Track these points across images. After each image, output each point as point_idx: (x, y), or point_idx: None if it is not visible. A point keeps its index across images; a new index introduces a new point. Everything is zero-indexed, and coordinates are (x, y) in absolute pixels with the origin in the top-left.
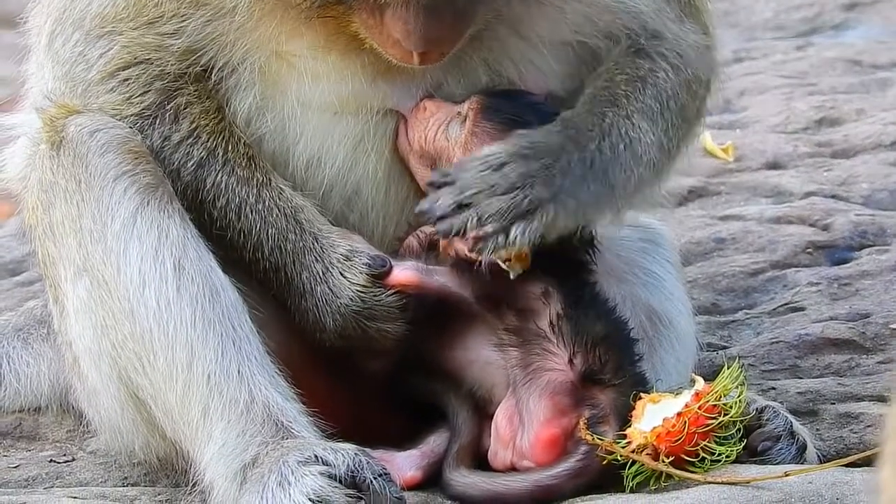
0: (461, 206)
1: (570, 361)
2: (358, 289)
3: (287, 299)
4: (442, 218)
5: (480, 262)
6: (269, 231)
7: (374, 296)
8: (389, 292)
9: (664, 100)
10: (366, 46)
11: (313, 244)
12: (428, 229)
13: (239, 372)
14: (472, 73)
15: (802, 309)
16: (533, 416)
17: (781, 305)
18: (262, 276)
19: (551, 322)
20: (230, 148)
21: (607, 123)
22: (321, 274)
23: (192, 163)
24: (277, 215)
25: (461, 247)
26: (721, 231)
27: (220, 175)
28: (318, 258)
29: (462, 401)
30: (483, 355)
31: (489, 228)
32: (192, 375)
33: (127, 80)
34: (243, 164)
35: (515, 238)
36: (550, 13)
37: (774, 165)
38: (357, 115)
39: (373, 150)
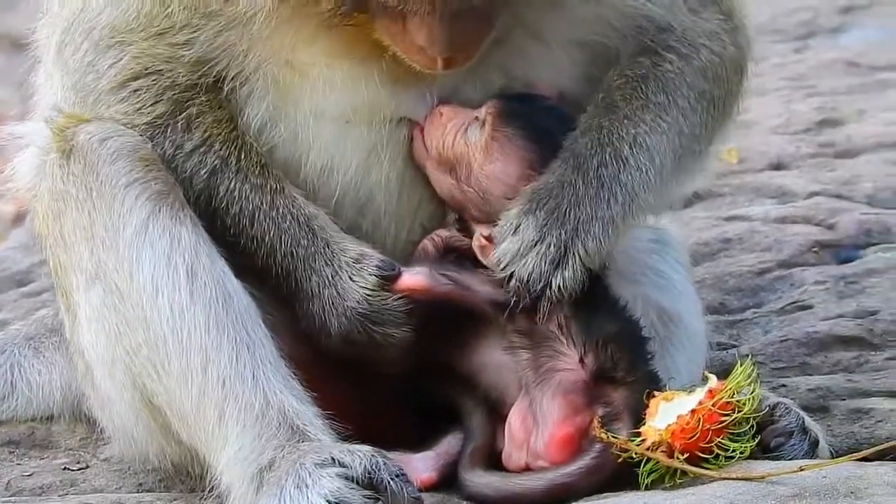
0: (509, 280)
1: (581, 360)
2: (366, 292)
3: (296, 304)
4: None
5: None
6: (283, 237)
7: (382, 300)
8: (396, 297)
9: (672, 90)
10: (384, 54)
11: (324, 249)
12: (443, 233)
13: (254, 376)
14: (486, 77)
15: (810, 307)
16: (546, 416)
17: (789, 304)
18: (274, 282)
19: (559, 323)
20: (243, 156)
21: (605, 132)
22: (330, 277)
23: (205, 171)
24: (291, 222)
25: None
26: (727, 232)
27: (233, 182)
28: (328, 262)
29: (476, 403)
30: (494, 358)
31: (538, 289)
32: (207, 380)
33: (138, 90)
34: (256, 172)
35: (560, 287)
36: (566, 14)
37: (778, 166)
38: (370, 124)
39: (386, 158)
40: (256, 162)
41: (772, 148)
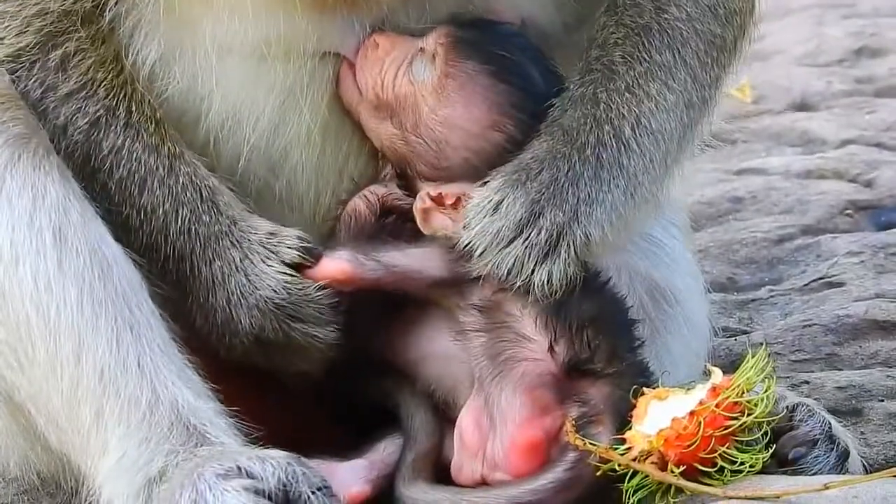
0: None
1: (551, 349)
2: (283, 278)
3: (188, 297)
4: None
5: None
6: (180, 211)
7: (302, 289)
8: (318, 285)
9: (680, 44)
10: None
11: (230, 228)
12: (379, 189)
13: (139, 364)
14: (431, 1)
15: (841, 284)
16: (506, 416)
17: (815, 280)
18: (161, 266)
19: (524, 301)
20: (134, 108)
21: (602, 107)
22: (238, 262)
23: (85, 121)
24: (192, 193)
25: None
26: (738, 188)
27: (120, 139)
28: (236, 243)
29: (418, 401)
30: (441, 346)
31: (516, 286)
32: (81, 371)
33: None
34: (151, 130)
35: (543, 284)
36: None
37: (803, 107)
38: (287, 61)
39: (306, 104)
40: (150, 117)
41: (795, 83)
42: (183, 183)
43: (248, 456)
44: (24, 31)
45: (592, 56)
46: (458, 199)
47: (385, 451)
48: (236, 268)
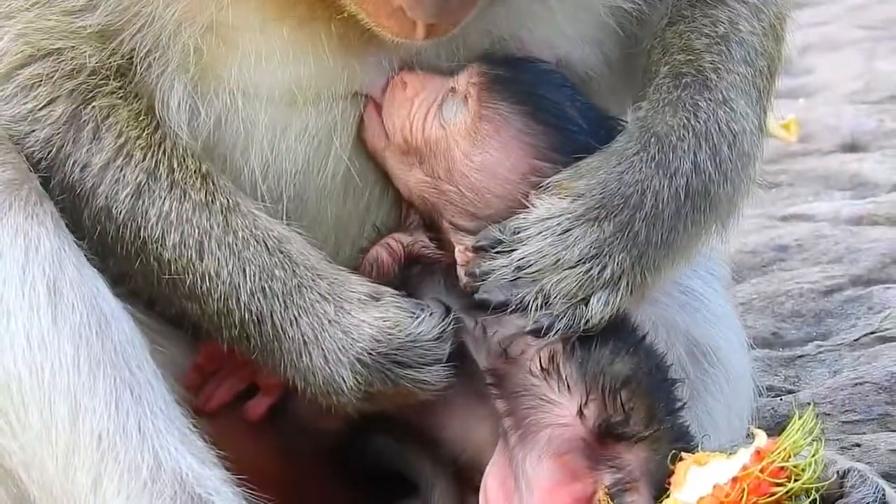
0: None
1: (580, 412)
2: (387, 325)
3: (276, 362)
4: (494, 293)
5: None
6: (248, 269)
7: (406, 333)
8: (423, 322)
9: (753, 59)
10: (333, 14)
11: (314, 280)
12: (404, 238)
13: (140, 429)
14: (462, 37)
15: (895, 339)
16: (532, 481)
17: (866, 335)
18: (237, 333)
19: (550, 359)
20: (176, 165)
21: (702, 119)
22: (332, 314)
23: (125, 192)
24: (256, 248)
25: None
26: (783, 236)
27: (167, 203)
28: (325, 296)
29: (439, 467)
30: (463, 407)
31: (556, 309)
32: (78, 435)
33: (32, 82)
34: (198, 186)
35: (583, 318)
36: None
37: (853, 147)
38: (317, 104)
39: (335, 149)
40: (195, 171)
41: (844, 122)
42: (243, 238)
43: None
44: (56, 98)
45: (679, 59)
46: None
47: None
48: (329, 321)
